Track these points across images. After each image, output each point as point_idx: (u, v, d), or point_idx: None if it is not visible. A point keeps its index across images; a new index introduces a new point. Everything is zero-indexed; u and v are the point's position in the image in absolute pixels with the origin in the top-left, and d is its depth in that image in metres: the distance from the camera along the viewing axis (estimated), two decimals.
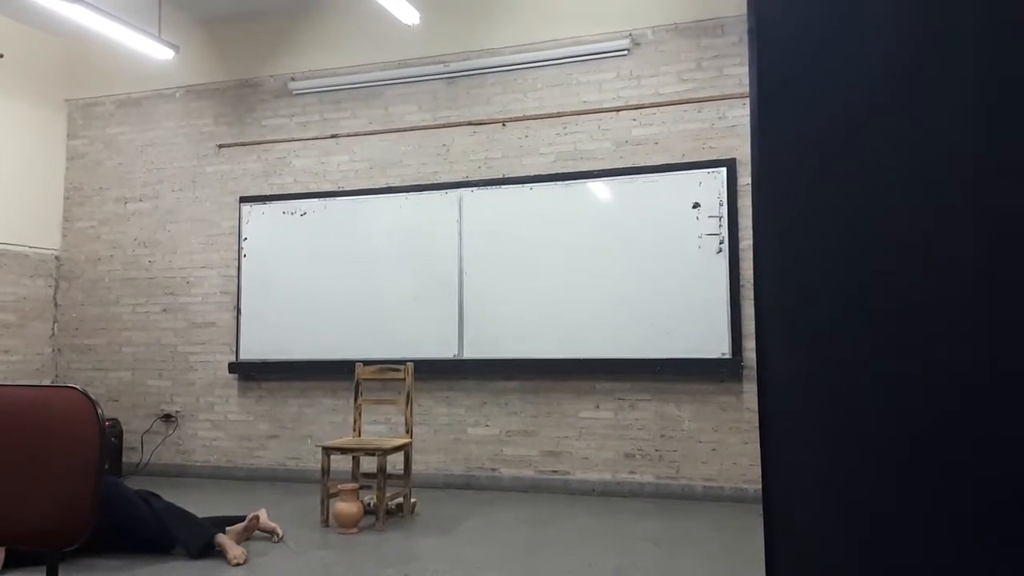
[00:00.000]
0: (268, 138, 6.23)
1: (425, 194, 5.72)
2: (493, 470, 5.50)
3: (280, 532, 4.05)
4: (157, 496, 3.98)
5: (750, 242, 4.50)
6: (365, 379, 4.90)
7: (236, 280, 6.14)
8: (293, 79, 6.17)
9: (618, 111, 5.43)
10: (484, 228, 5.56)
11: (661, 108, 5.34)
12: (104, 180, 6.65)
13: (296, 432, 5.97)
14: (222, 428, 6.15)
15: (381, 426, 5.71)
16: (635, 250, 5.23)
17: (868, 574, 0.96)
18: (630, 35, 5.44)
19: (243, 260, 6.11)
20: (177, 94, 6.52)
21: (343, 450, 4.51)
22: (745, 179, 5.09)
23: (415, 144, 5.87)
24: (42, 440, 1.59)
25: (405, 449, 4.63)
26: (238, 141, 6.30)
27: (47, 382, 6.43)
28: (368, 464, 4.84)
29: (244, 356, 6.05)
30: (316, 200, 5.97)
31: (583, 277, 5.31)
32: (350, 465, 4.77)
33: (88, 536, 1.55)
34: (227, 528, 3.88)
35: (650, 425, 5.21)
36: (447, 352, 5.54)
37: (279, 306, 5.96)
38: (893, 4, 0.99)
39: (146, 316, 6.42)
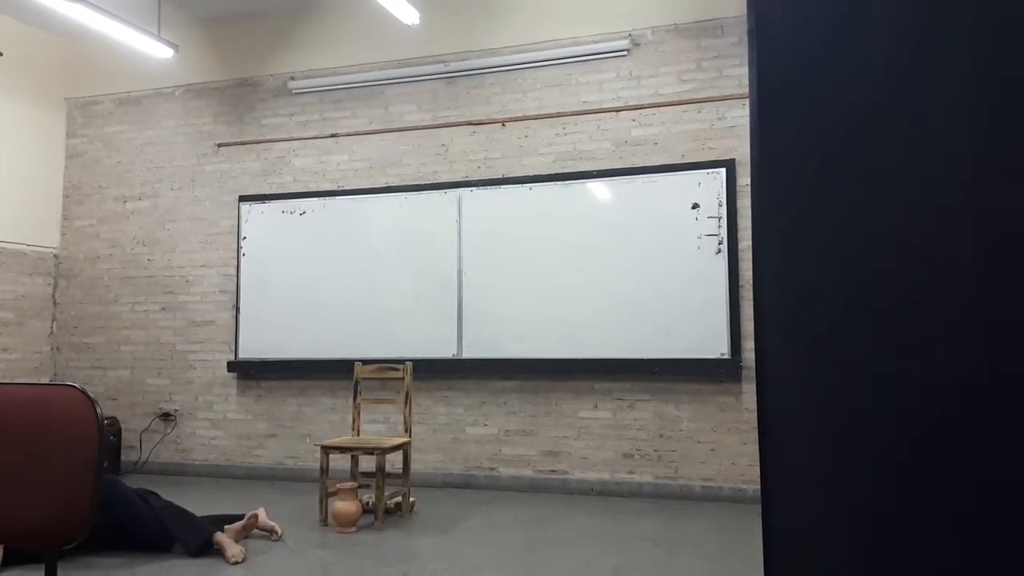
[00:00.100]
0: (268, 137, 6.23)
1: (424, 194, 5.72)
2: (492, 469, 5.50)
3: (279, 531, 4.05)
4: (156, 495, 3.98)
5: (749, 242, 4.49)
6: (364, 378, 4.90)
7: (235, 279, 6.13)
8: (293, 78, 6.17)
9: (618, 111, 5.43)
10: (483, 228, 5.56)
11: (661, 108, 5.34)
12: (103, 179, 6.65)
13: (295, 431, 5.96)
14: (221, 427, 6.15)
15: (380, 425, 5.71)
16: (634, 250, 5.23)
17: (868, 574, 0.96)
18: (630, 35, 5.44)
19: (242, 259, 6.11)
20: (177, 93, 6.51)
21: (342, 449, 4.51)
22: (744, 180, 5.09)
23: (415, 144, 5.87)
24: (41, 438, 1.59)
25: (404, 448, 4.63)
26: (237, 140, 6.30)
27: (46, 380, 6.42)
28: (367, 463, 4.84)
29: (243, 355, 6.05)
30: (315, 199, 5.97)
31: (582, 277, 5.31)
32: (349, 464, 4.77)
33: (87, 534, 1.55)
34: (226, 527, 3.88)
35: (649, 425, 5.21)
36: (446, 352, 5.54)
37: (278, 305, 5.96)
38: (893, 4, 0.99)
39: (145, 315, 6.42)
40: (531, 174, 5.54)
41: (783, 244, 1.08)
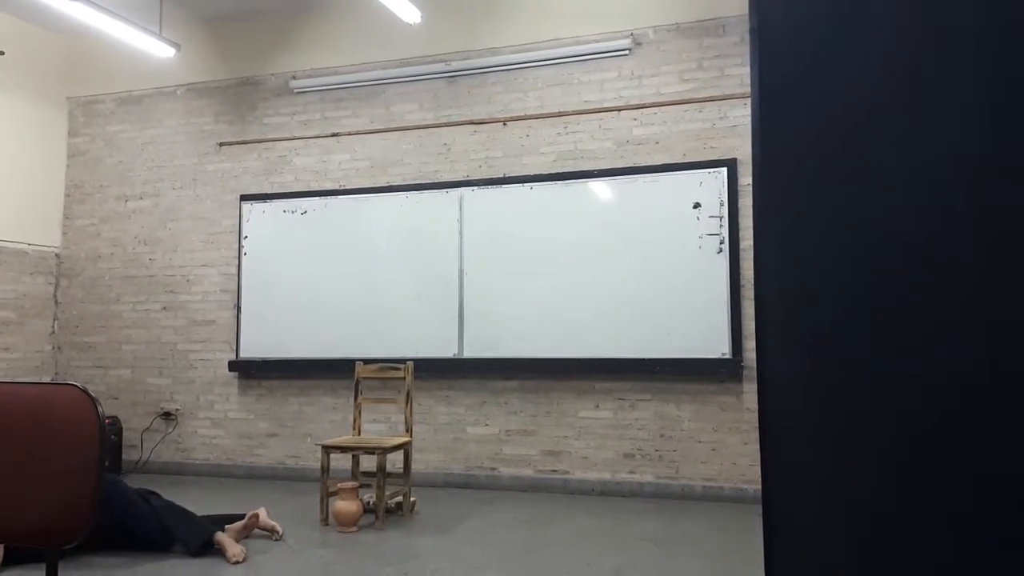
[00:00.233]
0: (269, 136, 6.23)
1: (426, 193, 5.72)
2: (492, 469, 5.50)
3: (279, 530, 4.05)
4: (156, 494, 3.99)
5: (750, 242, 4.50)
6: (365, 378, 4.90)
7: (236, 278, 6.14)
8: (294, 77, 6.17)
9: (619, 111, 5.43)
10: (485, 227, 5.56)
11: (662, 108, 5.34)
12: (105, 178, 6.65)
13: (296, 430, 5.97)
14: (222, 426, 6.15)
15: (381, 425, 5.71)
16: (636, 250, 5.23)
17: (868, 574, 0.96)
18: (631, 35, 5.44)
19: (243, 258, 6.11)
20: (178, 92, 6.52)
21: (343, 449, 4.51)
22: (746, 179, 5.09)
23: (416, 143, 5.87)
24: (42, 438, 1.59)
25: (405, 448, 4.63)
26: (239, 139, 6.30)
27: (47, 380, 6.43)
28: (368, 463, 4.84)
29: (244, 354, 6.05)
30: (317, 199, 5.97)
31: (583, 277, 5.31)
32: (350, 464, 4.78)
33: (87, 534, 1.55)
34: (226, 526, 3.88)
35: (650, 425, 5.21)
36: (447, 351, 5.54)
37: (279, 304, 5.96)
38: (893, 4, 0.99)
39: (146, 314, 6.42)
40: (532, 173, 5.54)
41: (784, 244, 1.08)
